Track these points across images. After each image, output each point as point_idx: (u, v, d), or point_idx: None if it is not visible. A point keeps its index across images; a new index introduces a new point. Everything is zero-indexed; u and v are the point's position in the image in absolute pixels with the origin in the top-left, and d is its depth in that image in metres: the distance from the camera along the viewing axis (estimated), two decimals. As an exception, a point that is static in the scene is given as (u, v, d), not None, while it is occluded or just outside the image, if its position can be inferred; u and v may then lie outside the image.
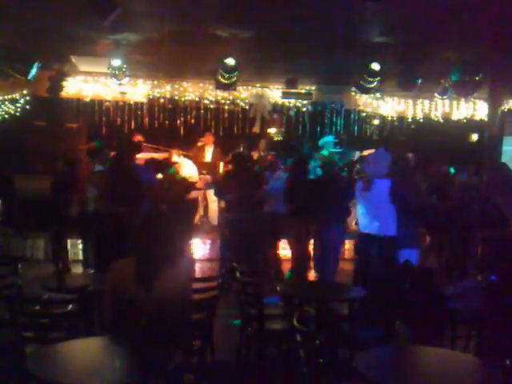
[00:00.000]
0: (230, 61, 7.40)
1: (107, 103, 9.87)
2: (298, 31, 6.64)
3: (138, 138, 9.69)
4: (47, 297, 4.05)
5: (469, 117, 10.98)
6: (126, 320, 3.28)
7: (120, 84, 8.52)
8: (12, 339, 3.50)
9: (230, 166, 7.43)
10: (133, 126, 10.02)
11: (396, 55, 7.32)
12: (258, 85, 10.07)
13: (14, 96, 9.42)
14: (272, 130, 10.96)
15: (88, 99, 9.76)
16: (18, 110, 9.51)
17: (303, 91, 9.98)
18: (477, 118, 10.92)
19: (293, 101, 10.27)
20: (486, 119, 8.69)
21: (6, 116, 9.52)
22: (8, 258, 4.44)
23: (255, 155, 9.21)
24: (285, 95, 9.90)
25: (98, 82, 9.66)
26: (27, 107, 9.53)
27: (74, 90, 9.61)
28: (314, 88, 10.14)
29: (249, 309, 4.27)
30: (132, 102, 9.93)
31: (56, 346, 3.03)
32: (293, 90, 9.62)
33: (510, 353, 3.17)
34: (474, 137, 11.72)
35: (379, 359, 2.99)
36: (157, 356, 2.83)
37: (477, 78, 7.22)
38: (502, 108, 9.38)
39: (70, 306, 3.63)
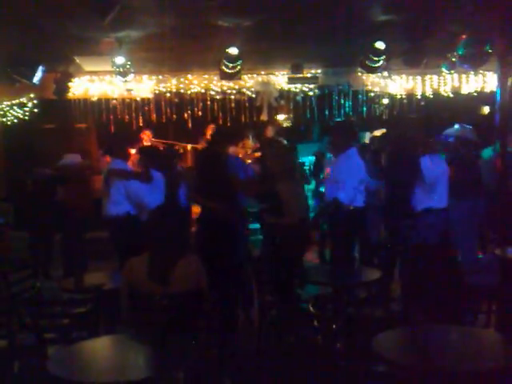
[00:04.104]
0: (233, 50, 7.37)
1: (114, 101, 9.89)
2: (300, 15, 6.57)
3: (147, 133, 9.74)
4: (66, 298, 4.10)
5: (479, 89, 10.81)
6: (145, 316, 3.31)
7: (125, 81, 8.53)
8: (33, 341, 3.55)
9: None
10: (141, 123, 10.04)
11: (400, 33, 7.21)
12: (262, 72, 10.00)
13: (21, 100, 9.47)
14: (280, 117, 10.91)
15: (95, 99, 9.78)
16: (27, 114, 9.58)
17: (309, 75, 9.89)
18: (487, 90, 10.74)
19: (299, 86, 10.19)
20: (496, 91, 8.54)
21: (16, 121, 9.60)
22: (25, 261, 4.49)
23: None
24: (291, 81, 9.83)
25: (104, 80, 9.67)
26: (35, 111, 9.58)
27: (80, 90, 9.63)
28: (319, 71, 10.05)
29: (266, 295, 4.29)
30: (139, 99, 9.94)
31: (76, 346, 3.07)
32: (298, 75, 9.54)
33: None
34: (486, 109, 11.54)
35: (397, 340, 2.98)
36: (176, 350, 2.86)
37: (484, 50, 7.11)
38: (512, 78, 9.22)
39: (88, 305, 3.67)
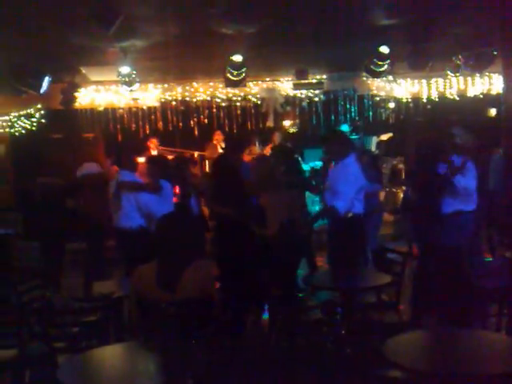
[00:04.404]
0: (238, 57, 7.40)
1: (121, 110, 9.98)
2: (303, 21, 6.59)
3: (154, 142, 9.78)
4: (76, 306, 4.11)
5: (485, 92, 10.78)
6: (154, 323, 3.31)
7: (131, 90, 8.58)
8: (44, 351, 3.55)
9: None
10: (148, 131, 10.09)
11: (404, 36, 7.22)
12: (268, 79, 10.05)
13: (29, 111, 9.56)
14: (286, 123, 10.93)
15: (101, 108, 9.86)
16: (34, 124, 9.65)
17: (314, 81, 9.93)
18: (493, 92, 10.71)
19: (304, 91, 10.23)
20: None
21: (23, 131, 9.67)
22: (34, 270, 4.53)
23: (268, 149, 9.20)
24: (296, 87, 9.86)
25: (110, 90, 9.75)
26: (43, 121, 9.66)
27: (86, 100, 9.72)
28: (324, 77, 10.08)
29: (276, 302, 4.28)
30: (145, 108, 10.01)
31: (86, 354, 3.06)
32: (303, 81, 9.57)
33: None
34: (493, 111, 11.50)
35: (408, 344, 2.96)
36: (185, 357, 2.85)
37: (488, 52, 7.10)
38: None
39: (98, 313, 3.68)
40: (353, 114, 10.63)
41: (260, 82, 10.02)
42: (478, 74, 10.35)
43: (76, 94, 8.89)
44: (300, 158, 8.68)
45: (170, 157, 9.00)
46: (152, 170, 5.85)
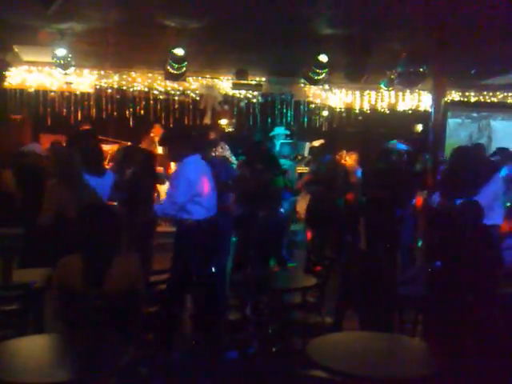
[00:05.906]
0: (179, 51, 7.34)
1: (52, 94, 9.61)
2: (248, 22, 6.63)
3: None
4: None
5: (414, 108, 11.29)
6: (77, 316, 3.22)
7: (65, 74, 8.31)
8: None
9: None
10: (80, 118, 9.78)
11: (343, 47, 7.42)
12: (208, 76, 10.02)
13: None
14: (223, 122, 10.94)
15: (32, 90, 9.46)
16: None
17: (253, 82, 10.00)
18: (421, 108, 11.23)
19: (243, 92, 10.29)
20: (430, 110, 8.95)
21: None
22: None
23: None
24: (235, 86, 9.90)
25: (43, 72, 9.38)
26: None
27: (17, 80, 9.30)
28: (263, 79, 10.18)
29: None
30: (78, 93, 9.70)
31: (3, 345, 2.94)
32: (243, 81, 9.63)
33: (455, 336, 3.31)
34: (419, 127, 12.06)
35: (330, 345, 3.06)
36: (109, 351, 2.80)
37: (421, 70, 7.45)
38: (445, 99, 9.67)
39: (17, 303, 3.53)
40: (289, 118, 10.80)
41: (200, 78, 9.98)
42: (408, 90, 10.83)
43: (6, 73, 8.51)
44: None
45: (106, 146, 8.75)
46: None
